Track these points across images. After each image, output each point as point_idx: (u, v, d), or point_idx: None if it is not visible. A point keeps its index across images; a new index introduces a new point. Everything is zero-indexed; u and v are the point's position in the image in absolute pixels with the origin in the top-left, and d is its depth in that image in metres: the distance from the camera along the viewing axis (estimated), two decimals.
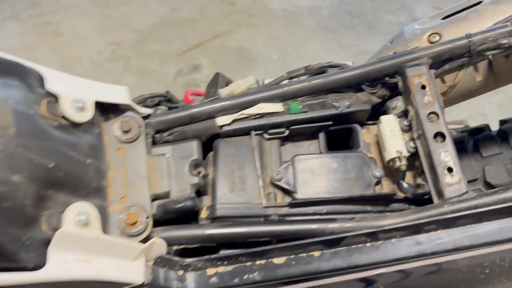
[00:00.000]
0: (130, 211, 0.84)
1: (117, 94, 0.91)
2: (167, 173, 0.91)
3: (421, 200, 0.93)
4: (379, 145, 1.01)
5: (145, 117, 0.95)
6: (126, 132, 0.89)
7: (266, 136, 0.99)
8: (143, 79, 2.98)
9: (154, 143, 0.95)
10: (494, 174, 1.19)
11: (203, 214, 0.92)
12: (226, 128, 0.96)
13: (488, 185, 1.19)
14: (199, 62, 3.05)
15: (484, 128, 1.27)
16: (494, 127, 2.61)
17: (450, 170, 0.88)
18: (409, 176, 0.99)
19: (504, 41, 0.93)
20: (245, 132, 0.98)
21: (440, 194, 0.88)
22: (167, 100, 1.08)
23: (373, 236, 0.84)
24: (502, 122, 1.28)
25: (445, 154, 0.89)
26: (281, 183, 0.94)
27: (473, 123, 2.54)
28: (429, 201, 0.91)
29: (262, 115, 0.97)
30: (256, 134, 0.98)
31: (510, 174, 1.18)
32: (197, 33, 3.19)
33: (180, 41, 3.16)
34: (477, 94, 1.20)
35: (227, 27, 3.22)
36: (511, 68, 1.09)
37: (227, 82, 1.07)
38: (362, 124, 1.04)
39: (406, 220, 0.86)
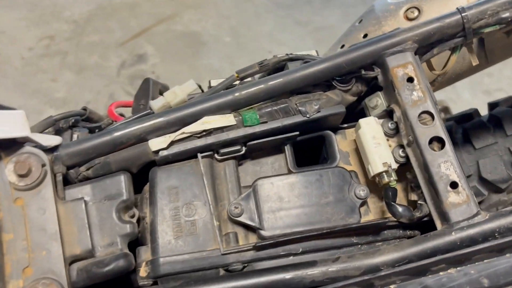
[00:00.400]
0: (37, 286, 0.61)
1: (7, 124, 0.66)
2: (88, 223, 0.68)
3: (419, 223, 0.74)
4: (358, 152, 0.81)
5: (52, 149, 0.71)
6: (23, 176, 0.65)
7: (217, 156, 0.77)
8: (83, 75, 2.68)
9: (68, 182, 0.72)
10: (490, 168, 1.02)
11: (143, 272, 0.70)
12: (163, 153, 0.74)
13: (484, 182, 1.02)
14: (144, 51, 2.77)
15: (472, 114, 1.10)
16: (466, 97, 2.44)
17: (454, 185, 0.69)
18: (398, 188, 0.80)
19: (506, 14, 0.73)
20: (190, 155, 0.76)
21: (444, 217, 0.69)
22: (85, 119, 0.84)
23: (367, 284, 0.65)
24: (492, 106, 1.11)
25: (446, 166, 0.70)
26: (242, 219, 0.73)
27: (444, 97, 2.40)
28: (430, 223, 0.73)
29: (209, 132, 0.75)
30: (204, 157, 0.76)
31: (508, 167, 1.01)
32: (139, 18, 2.89)
33: (121, 29, 2.85)
34: (465, 77, 1.01)
35: (172, 9, 2.94)
36: (507, 45, 0.91)
37: (161, 90, 0.84)
38: (335, 129, 0.83)
39: (405, 255, 0.67)
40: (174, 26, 2.88)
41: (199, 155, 0.75)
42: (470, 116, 1.09)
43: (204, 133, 0.74)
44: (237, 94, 0.75)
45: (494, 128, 1.03)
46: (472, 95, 2.41)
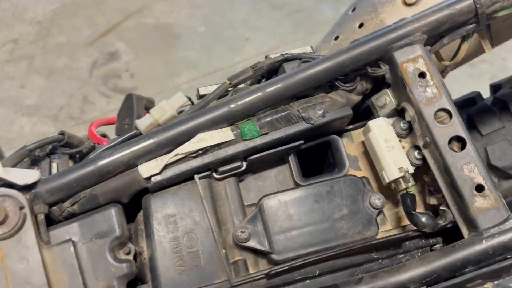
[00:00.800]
0: None
1: None
2: (79, 268, 0.60)
3: (442, 231, 0.68)
4: (367, 155, 0.74)
5: (30, 186, 0.62)
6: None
7: (216, 175, 0.69)
8: (53, 79, 2.54)
9: (51, 222, 0.64)
10: (499, 155, 0.97)
11: None
12: (156, 179, 0.66)
13: (494, 169, 0.97)
14: (115, 49, 2.64)
15: (475, 98, 1.04)
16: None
17: (480, 188, 0.63)
18: (415, 191, 0.73)
19: None
20: (185, 177, 0.68)
21: (471, 224, 0.63)
22: (64, 144, 0.75)
23: None
24: (495, 88, 1.05)
25: (469, 167, 0.64)
26: (250, 244, 0.66)
27: None
28: (453, 229, 0.67)
29: (205, 150, 0.67)
30: (202, 177, 0.68)
31: None
32: (107, 15, 2.75)
33: (89, 28, 2.72)
34: (468, 61, 0.95)
35: (140, 2, 2.81)
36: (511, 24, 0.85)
37: (147, 105, 0.75)
38: (341, 132, 0.76)
39: (433, 269, 0.61)
40: (144, 19, 2.76)
41: (196, 176, 0.67)
42: (473, 100, 1.04)
43: (200, 152, 0.67)
44: (233, 105, 0.68)
45: (500, 112, 0.98)
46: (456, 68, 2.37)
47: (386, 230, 0.71)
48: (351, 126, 0.77)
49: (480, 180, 0.63)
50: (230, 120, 0.68)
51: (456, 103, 1.04)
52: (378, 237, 0.68)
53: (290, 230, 0.67)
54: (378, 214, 0.70)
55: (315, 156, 0.81)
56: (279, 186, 0.73)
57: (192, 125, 0.66)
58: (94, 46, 2.66)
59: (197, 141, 0.66)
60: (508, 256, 0.60)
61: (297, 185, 0.71)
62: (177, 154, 0.66)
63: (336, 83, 0.72)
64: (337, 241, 0.67)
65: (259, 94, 0.68)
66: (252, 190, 0.73)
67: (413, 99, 0.67)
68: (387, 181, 0.68)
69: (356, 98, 0.74)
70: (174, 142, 0.66)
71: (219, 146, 0.67)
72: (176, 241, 0.65)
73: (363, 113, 0.79)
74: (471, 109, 1.01)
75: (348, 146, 0.76)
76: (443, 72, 0.77)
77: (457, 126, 0.65)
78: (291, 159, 0.72)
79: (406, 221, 0.71)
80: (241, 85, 0.77)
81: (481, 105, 1.01)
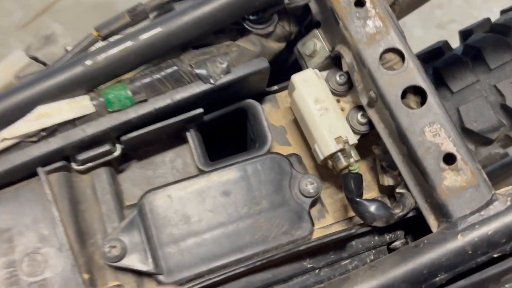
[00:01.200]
0: None
1: None
2: None
3: (403, 222, 0.49)
4: (298, 124, 0.54)
5: None
6: None
7: (76, 166, 0.48)
8: None
9: None
10: (475, 116, 0.78)
11: None
12: None
13: (469, 133, 0.79)
14: (51, 31, 2.37)
15: (442, 48, 0.85)
16: (419, 33, 2.22)
17: (450, 159, 0.44)
18: (363, 168, 0.54)
19: None
20: (27, 172, 0.46)
21: (441, 211, 0.44)
22: None
23: None
24: (465, 34, 0.86)
25: (433, 129, 0.44)
26: (125, 263, 0.45)
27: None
28: (418, 217, 0.47)
29: (52, 130, 0.46)
30: (52, 171, 0.47)
31: (497, 110, 0.78)
32: None
33: (21, 9, 2.44)
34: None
35: None
36: None
37: None
38: (261, 95, 0.56)
39: (388, 282, 0.42)
40: None
41: (40, 170, 0.46)
42: (439, 50, 0.84)
43: (43, 133, 0.45)
44: (89, 62, 0.46)
45: (473, 62, 0.79)
46: (424, 30, 2.19)
47: (325, 226, 0.51)
48: (275, 87, 0.56)
49: (449, 147, 0.44)
50: (89, 83, 0.47)
51: (419, 56, 0.85)
52: (313, 237, 0.48)
53: (186, 238, 0.47)
54: (313, 204, 0.50)
55: (236, 132, 0.60)
56: (177, 175, 0.53)
57: (28, 94, 0.45)
58: (27, 29, 2.39)
59: (36, 118, 0.45)
60: (495, 255, 0.41)
61: (201, 172, 0.51)
62: (4, 139, 0.44)
63: (246, 25, 0.51)
64: (254, 249, 0.47)
65: (129, 43, 0.47)
66: (138, 184, 0.52)
67: (349, 37, 0.47)
68: (322, 157, 0.48)
69: (275, 45, 0.53)
70: (2, 121, 0.44)
71: (72, 123, 0.46)
72: (12, 267, 0.44)
73: (292, 69, 0.58)
74: (438, 62, 0.82)
75: (273, 114, 0.56)
76: (394, 4, 0.57)
77: (412, 72, 0.45)
78: (191, 136, 0.52)
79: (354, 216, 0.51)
80: (117, 37, 0.55)
81: (450, 55, 0.82)
